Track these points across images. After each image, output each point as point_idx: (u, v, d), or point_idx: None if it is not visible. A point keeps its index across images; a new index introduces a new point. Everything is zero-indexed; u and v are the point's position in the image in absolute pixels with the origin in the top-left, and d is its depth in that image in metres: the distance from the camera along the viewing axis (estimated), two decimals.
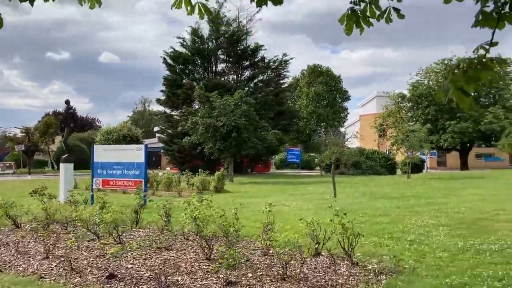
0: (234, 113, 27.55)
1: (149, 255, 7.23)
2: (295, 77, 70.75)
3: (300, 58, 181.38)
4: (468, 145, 41.64)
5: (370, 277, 6.15)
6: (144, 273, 6.15)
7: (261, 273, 6.23)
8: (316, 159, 52.21)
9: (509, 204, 13.39)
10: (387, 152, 41.77)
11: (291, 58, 43.84)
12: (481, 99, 41.18)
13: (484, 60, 3.71)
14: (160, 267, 6.34)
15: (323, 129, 58.97)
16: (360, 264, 6.79)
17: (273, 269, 6.44)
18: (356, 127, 72.18)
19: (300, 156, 53.12)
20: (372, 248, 7.92)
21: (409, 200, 15.15)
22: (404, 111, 40.56)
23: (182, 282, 5.79)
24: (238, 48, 42.34)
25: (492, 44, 3.60)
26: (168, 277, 5.81)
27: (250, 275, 6.10)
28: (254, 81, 44.23)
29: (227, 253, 5.86)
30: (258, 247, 7.75)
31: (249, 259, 6.93)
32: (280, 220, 9.83)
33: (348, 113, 75.18)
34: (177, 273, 6.10)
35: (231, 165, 28.35)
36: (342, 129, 77.23)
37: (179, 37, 42.12)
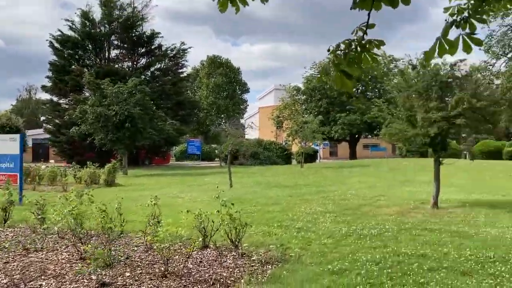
0: (128, 102, 26.23)
1: (12, 258, 6.37)
2: (195, 68, 69.98)
3: (201, 50, 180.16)
4: (356, 136, 44.53)
5: (255, 267, 6.01)
6: (1, 280, 5.36)
7: (141, 271, 5.78)
8: (216, 150, 52.13)
9: (388, 190, 14.38)
10: (284, 143, 43.04)
11: (190, 47, 43.08)
12: (368, 93, 44.29)
13: (363, 42, 3.67)
14: (23, 271, 5.58)
15: (223, 121, 59.08)
16: (248, 254, 6.64)
17: (155, 266, 6.03)
18: (255, 119, 73.61)
19: (200, 147, 52.63)
20: (261, 237, 7.85)
21: (301, 189, 15.57)
22: (299, 104, 42.11)
23: None
24: (133, 34, 40.48)
25: (369, 25, 3.56)
26: (31, 283, 5.12)
27: (128, 274, 5.63)
28: (151, 69, 42.69)
29: (97, 252, 5.32)
30: (142, 243, 7.26)
31: (130, 256, 6.43)
32: (172, 212, 9.40)
33: (248, 105, 76.44)
34: (42, 277, 5.41)
35: (125, 157, 27.00)
36: (242, 121, 78.27)
37: (67, 20, 39.06)
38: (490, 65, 30.66)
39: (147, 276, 5.55)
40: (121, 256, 6.33)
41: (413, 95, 10.30)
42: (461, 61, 9.89)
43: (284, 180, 19.40)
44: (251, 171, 27.17)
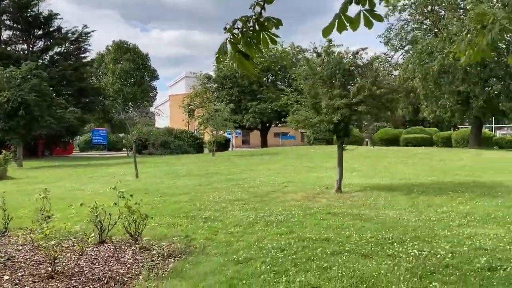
0: (22, 88, 23.95)
1: None
2: (100, 53, 66.29)
3: (108, 35, 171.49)
4: (267, 124, 45.25)
5: (156, 262, 5.64)
6: None
7: (23, 273, 5.13)
8: (123, 140, 49.97)
9: (296, 177, 14.64)
10: (195, 132, 42.45)
11: (93, 31, 40.70)
12: (278, 82, 45.20)
13: (261, 19, 3.42)
14: None
15: (131, 109, 56.76)
16: (148, 248, 6.22)
17: (41, 266, 5.39)
18: (166, 107, 71.79)
19: (106, 137, 50.14)
20: (165, 229, 7.46)
21: (211, 177, 15.31)
22: (210, 92, 41.78)
23: None
24: (28, 14, 37.11)
25: (267, 0, 3.32)
26: None
27: (7, 277, 4.96)
28: (50, 53, 39.56)
29: None
30: (29, 241, 6.51)
31: (12, 257, 5.71)
32: (68, 206, 8.62)
33: (157, 93, 74.34)
34: None
35: (19, 148, 24.72)
36: (152, 109, 75.92)
37: None
38: (389, 57, 32.70)
39: (30, 279, 4.93)
40: (1, 257, 5.60)
41: (318, 83, 10.44)
42: (362, 49, 10.22)
43: (194, 169, 19.00)
44: (160, 160, 26.35)
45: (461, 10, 28.71)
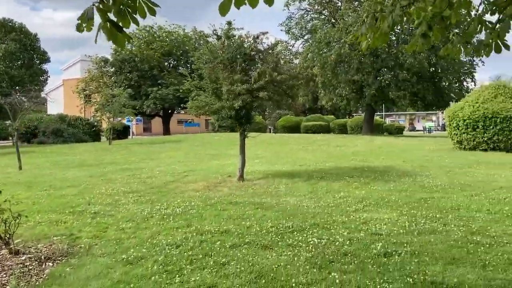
0: None
1: None
2: None
3: None
4: (169, 111, 44.02)
5: (31, 267, 4.88)
6: None
7: None
8: (9, 128, 45.33)
9: (198, 165, 14.20)
10: (91, 119, 39.88)
11: None
12: (180, 67, 43.98)
13: None
14: None
15: (18, 93, 51.64)
16: (23, 252, 5.40)
17: None
18: (59, 92, 66.55)
19: None
20: (47, 228, 6.62)
21: (105, 168, 14.25)
22: (107, 76, 39.38)
23: None
24: None
25: None
26: None
27: None
28: None
29: None
30: None
31: None
32: None
33: (49, 77, 68.53)
34: None
35: None
36: (43, 94, 69.96)
37: None
38: (290, 46, 33.32)
39: None
40: None
41: (219, 67, 10.04)
42: (263, 33, 9.98)
43: (88, 159, 17.64)
44: (51, 150, 24.20)
45: (356, 3, 30.07)
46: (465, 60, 31.94)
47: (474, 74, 32.52)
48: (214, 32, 10.15)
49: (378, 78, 28.74)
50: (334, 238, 5.67)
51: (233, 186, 9.75)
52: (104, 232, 6.38)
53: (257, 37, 10.08)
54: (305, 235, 5.83)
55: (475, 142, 16.47)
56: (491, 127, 16.03)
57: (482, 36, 3.99)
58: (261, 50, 10.24)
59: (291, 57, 33.40)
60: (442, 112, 63.92)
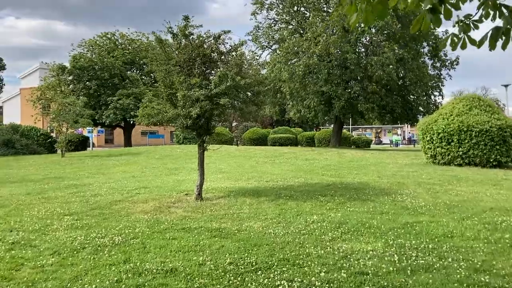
0: None
1: None
2: None
3: None
4: (132, 122, 42.03)
5: None
6: None
7: None
8: None
9: (153, 180, 12.75)
10: (48, 129, 37.50)
11: None
12: (144, 76, 42.19)
13: None
14: None
15: None
16: None
17: None
18: (16, 101, 63.22)
19: None
20: None
21: (47, 184, 12.60)
22: (65, 85, 37.18)
23: None
24: None
25: None
26: None
27: None
28: None
29: None
30: None
31: None
32: None
33: (4, 85, 65.15)
34: None
35: None
36: None
37: None
38: (257, 56, 32.34)
39: None
40: None
41: (174, 70, 8.74)
42: (225, 32, 8.76)
43: (33, 173, 15.85)
44: None
45: (324, 13, 29.44)
46: (433, 73, 31.80)
47: (441, 88, 32.42)
48: (169, 29, 8.84)
49: (347, 90, 28.05)
50: (308, 280, 4.45)
51: (189, 207, 8.41)
52: (17, 271, 4.97)
53: (219, 37, 8.86)
54: (272, 275, 4.59)
55: (449, 157, 15.71)
56: (466, 141, 15.31)
57: None
58: (223, 51, 9.02)
59: (258, 67, 32.46)
60: (409, 126, 64.46)
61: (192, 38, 8.82)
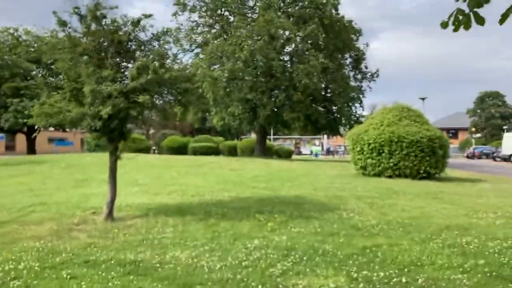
0: None
1: None
2: None
3: None
4: (35, 127, 37.94)
5: None
6: None
7: None
8: None
9: (54, 194, 10.64)
10: None
11: None
12: (51, 78, 38.36)
13: None
14: None
15: None
16: None
17: None
18: None
19: None
20: None
21: None
22: None
23: None
24: None
25: None
26: None
27: None
28: None
29: None
30: None
31: None
32: None
33: None
34: None
35: None
36: None
37: None
38: (178, 59, 30.51)
39: None
40: None
41: (81, 60, 7.03)
42: (146, 16, 7.20)
43: None
44: None
45: (249, 19, 28.58)
46: (354, 84, 32.23)
47: (362, 99, 32.97)
48: (76, 10, 7.11)
49: (272, 98, 27.33)
50: None
51: (96, 230, 6.69)
52: None
53: (138, 22, 7.29)
54: None
55: (380, 168, 15.29)
56: (397, 152, 14.99)
57: None
58: (143, 40, 7.47)
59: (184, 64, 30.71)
60: (326, 137, 65.92)
61: (105, 22, 7.16)
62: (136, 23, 7.28)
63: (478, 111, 77.14)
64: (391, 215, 7.87)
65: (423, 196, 10.68)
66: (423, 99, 30.89)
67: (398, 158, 15.04)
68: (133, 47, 7.38)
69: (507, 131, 55.58)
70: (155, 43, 7.36)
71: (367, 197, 10.21)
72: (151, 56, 7.16)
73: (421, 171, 15.00)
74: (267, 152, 33.79)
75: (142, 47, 7.39)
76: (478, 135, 69.76)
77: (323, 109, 30.99)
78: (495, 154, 47.86)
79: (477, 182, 15.10)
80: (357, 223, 7.15)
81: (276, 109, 27.06)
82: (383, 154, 15.24)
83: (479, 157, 52.58)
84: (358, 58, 32.95)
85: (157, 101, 7.31)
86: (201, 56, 29.19)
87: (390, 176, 15.14)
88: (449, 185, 13.51)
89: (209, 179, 14.48)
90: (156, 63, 6.88)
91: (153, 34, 7.44)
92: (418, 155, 14.93)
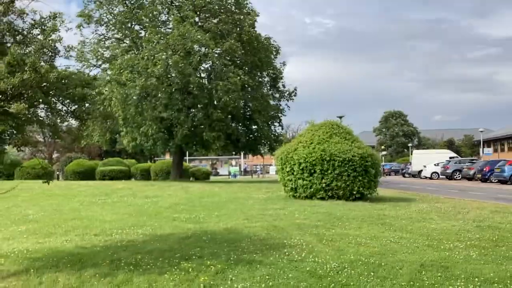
0: None
1: None
2: None
3: None
4: None
5: None
6: None
7: None
8: None
9: None
10: None
11: None
12: None
13: None
14: None
15: None
16: None
17: None
18: None
19: None
20: None
21: None
22: None
23: None
24: None
25: None
26: None
27: None
28: None
29: None
30: None
31: None
32: None
33: None
34: None
35: None
36: None
37: None
38: (83, 75, 27.54)
39: None
40: None
41: None
42: None
43: None
44: None
45: (162, 34, 26.61)
46: (273, 103, 31.41)
47: (281, 118, 32.25)
48: None
49: (189, 116, 25.43)
50: None
51: None
52: None
53: (12, 2, 5.23)
54: None
55: (312, 189, 14.06)
56: (329, 171, 13.87)
57: None
58: (19, 29, 5.40)
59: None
60: (246, 157, 64.99)
61: None
62: (9, 2, 5.21)
63: (383, 129, 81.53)
64: (349, 252, 6.42)
65: (369, 222, 9.49)
66: (340, 117, 30.81)
67: (330, 178, 13.93)
68: (6, 37, 5.27)
69: (415, 149, 58.76)
70: (37, 31, 5.31)
71: (310, 227, 8.76)
72: (30, 48, 5.11)
73: (354, 192, 14.02)
74: (183, 174, 31.65)
75: (19, 36, 5.31)
76: (384, 152, 73.14)
77: (243, 128, 29.67)
78: (404, 171, 50.01)
79: (410, 201, 14.46)
80: (315, 267, 5.57)
81: (194, 128, 25.18)
82: (315, 175, 14.05)
83: (388, 174, 54.69)
84: (276, 77, 32.31)
85: (41, 112, 5.25)
86: (108, 72, 26.56)
87: (323, 198, 13.97)
88: (385, 206, 12.60)
89: (120, 210, 12.20)
90: (38, 59, 4.86)
91: (34, 20, 5.40)
92: (351, 175, 13.95)
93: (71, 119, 5.64)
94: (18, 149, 5.69)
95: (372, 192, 14.66)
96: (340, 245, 6.94)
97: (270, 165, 69.41)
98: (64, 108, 5.48)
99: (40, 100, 4.95)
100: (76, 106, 5.49)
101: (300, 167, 14.22)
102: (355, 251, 6.52)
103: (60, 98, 5.36)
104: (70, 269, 5.60)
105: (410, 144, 70.44)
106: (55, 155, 57.23)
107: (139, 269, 5.54)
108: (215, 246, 6.92)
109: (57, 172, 42.31)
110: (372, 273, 5.27)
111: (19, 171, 31.47)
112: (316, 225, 9.00)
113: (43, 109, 5.54)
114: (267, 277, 5.15)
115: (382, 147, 76.54)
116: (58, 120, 5.60)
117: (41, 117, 5.25)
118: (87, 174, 33.82)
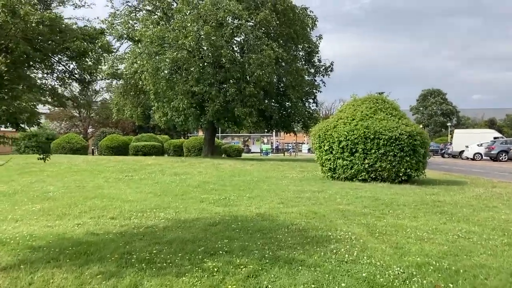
0: None
1: None
2: None
3: None
4: None
5: None
6: None
7: None
8: None
9: None
10: None
11: None
12: None
13: None
14: None
15: None
16: None
17: None
18: None
19: None
20: None
21: None
22: None
23: None
24: None
25: None
26: None
27: None
28: None
29: None
30: None
31: None
32: None
33: None
34: None
35: None
36: None
37: None
38: (114, 48, 26.91)
39: None
40: None
41: None
42: None
43: None
44: None
45: (194, 3, 25.37)
46: (308, 78, 29.87)
47: (316, 95, 30.71)
48: None
49: (221, 91, 24.31)
50: None
51: None
52: None
53: None
54: None
55: (353, 170, 12.79)
56: (373, 151, 12.54)
57: None
58: None
59: (116, 61, 26.99)
60: (277, 135, 63.77)
61: None
62: None
63: (421, 108, 78.24)
64: (412, 251, 5.20)
65: (424, 210, 8.19)
66: (380, 93, 28.91)
67: (374, 159, 12.59)
68: None
69: (455, 128, 55.87)
70: None
71: (356, 214, 7.56)
72: None
73: (401, 174, 12.65)
74: (215, 151, 30.79)
75: None
76: None
77: (276, 104, 28.33)
78: (443, 151, 47.50)
79: (462, 185, 12.97)
80: (373, 273, 4.39)
81: (225, 104, 24.06)
82: (357, 154, 12.75)
83: None
84: (311, 51, 30.64)
85: (26, 70, 4.21)
86: (140, 44, 25.63)
87: (364, 180, 12.69)
88: (437, 191, 11.20)
89: (144, 189, 11.31)
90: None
91: None
92: (398, 155, 12.55)
93: (71, 81, 4.58)
94: (12, 126, 4.68)
95: (420, 174, 13.22)
96: (398, 241, 5.71)
97: (303, 143, 68.00)
98: (61, 67, 4.42)
99: (26, 55, 3.90)
100: (77, 63, 4.42)
101: (340, 146, 12.93)
102: (419, 249, 5.29)
103: (56, 54, 4.30)
104: (71, 264, 4.64)
105: (449, 124, 67.29)
106: (89, 130, 57.60)
107: (152, 267, 4.51)
108: (246, 237, 5.83)
109: (92, 147, 42.41)
110: (451, 285, 4.04)
111: (53, 145, 31.48)
112: (362, 212, 7.78)
113: (39, 69, 4.51)
114: (312, 286, 4.01)
115: (420, 126, 73.60)
116: (57, 82, 4.56)
117: (28, 77, 4.22)
118: (121, 149, 33.54)
